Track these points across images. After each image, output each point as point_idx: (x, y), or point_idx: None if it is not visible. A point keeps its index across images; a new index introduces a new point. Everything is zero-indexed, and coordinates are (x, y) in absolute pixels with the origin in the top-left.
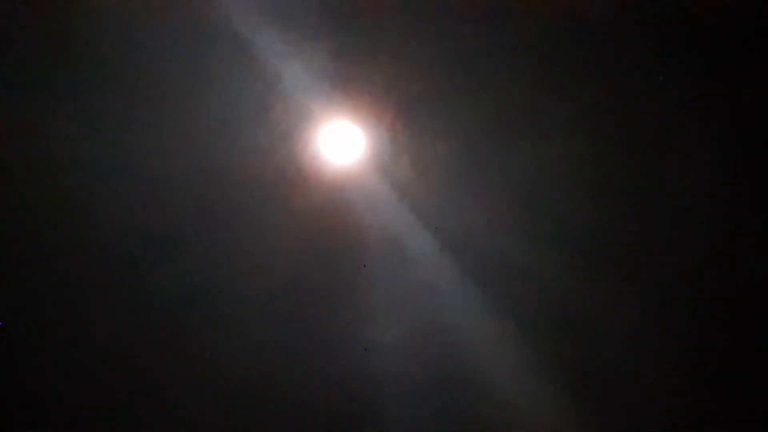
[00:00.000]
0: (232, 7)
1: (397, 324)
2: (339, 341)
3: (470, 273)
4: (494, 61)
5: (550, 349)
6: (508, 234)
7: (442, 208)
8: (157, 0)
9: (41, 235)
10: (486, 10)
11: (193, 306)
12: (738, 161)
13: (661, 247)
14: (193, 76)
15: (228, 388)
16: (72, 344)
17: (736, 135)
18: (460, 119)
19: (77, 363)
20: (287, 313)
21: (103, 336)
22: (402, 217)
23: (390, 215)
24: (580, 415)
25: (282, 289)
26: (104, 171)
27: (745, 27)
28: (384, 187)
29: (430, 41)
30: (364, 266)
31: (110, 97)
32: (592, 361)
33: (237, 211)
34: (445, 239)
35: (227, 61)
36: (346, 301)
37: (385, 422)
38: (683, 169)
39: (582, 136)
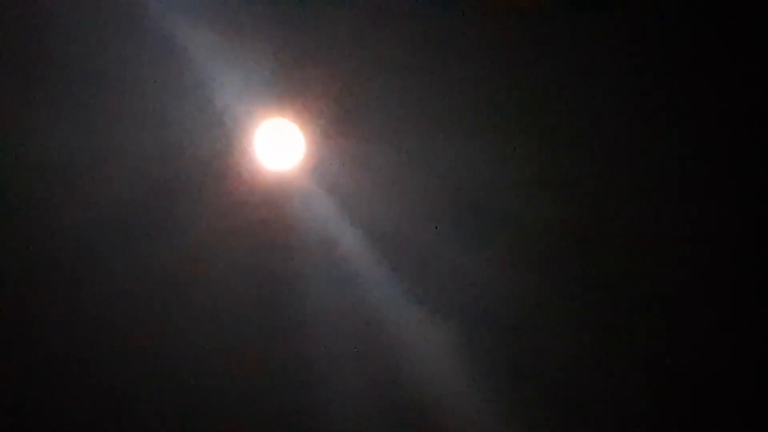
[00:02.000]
0: (166, 5)
1: (334, 330)
2: (274, 349)
3: (409, 277)
4: (435, 61)
5: (488, 350)
6: (454, 239)
7: (380, 211)
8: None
9: None
10: (425, 9)
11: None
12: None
13: (602, 245)
14: (124, 78)
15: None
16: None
17: (683, 133)
18: (399, 119)
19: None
20: (220, 321)
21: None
22: (339, 221)
23: (326, 218)
24: (520, 417)
25: (214, 295)
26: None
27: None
28: (321, 190)
29: (371, 41)
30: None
31: (40, 98)
32: (532, 363)
33: (169, 214)
34: (383, 243)
35: (160, 61)
36: (281, 306)
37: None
38: (624, 162)
39: (521, 133)
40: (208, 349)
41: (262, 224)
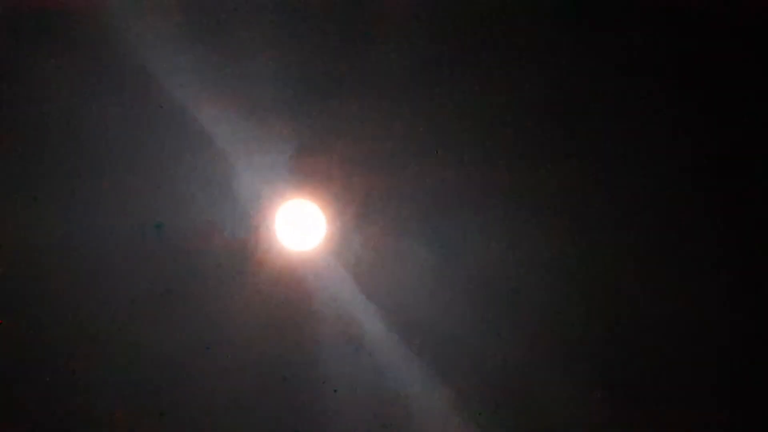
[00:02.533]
0: (189, 90)
1: (352, 411)
2: (290, 425)
3: (429, 359)
4: (459, 146)
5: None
6: (470, 320)
7: (403, 293)
8: (111, 82)
9: None
10: (452, 91)
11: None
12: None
13: (613, 326)
14: (147, 158)
15: None
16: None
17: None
18: (418, 203)
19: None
20: (237, 398)
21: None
22: (359, 304)
23: (349, 299)
24: None
25: (233, 375)
26: (52, 250)
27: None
28: (342, 272)
29: (394, 122)
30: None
31: (64, 177)
32: None
33: (192, 295)
34: (404, 324)
35: (184, 146)
36: (299, 388)
37: None
38: (633, 246)
39: (552, 222)
40: (222, 423)
41: (283, 304)
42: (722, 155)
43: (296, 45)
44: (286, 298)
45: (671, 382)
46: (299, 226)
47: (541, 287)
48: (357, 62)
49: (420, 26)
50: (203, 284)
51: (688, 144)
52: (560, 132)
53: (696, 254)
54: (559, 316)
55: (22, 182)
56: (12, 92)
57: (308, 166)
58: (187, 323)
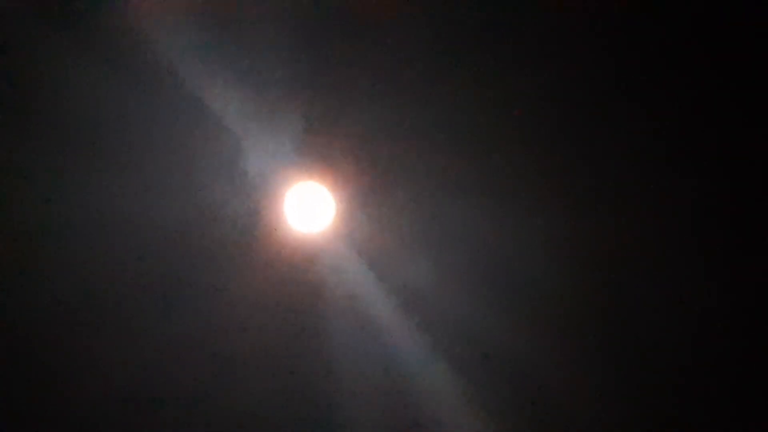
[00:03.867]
0: (197, 69)
1: (363, 395)
2: (304, 409)
3: (439, 343)
4: (468, 126)
5: (516, 418)
6: (480, 302)
7: (413, 276)
8: (122, 70)
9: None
10: (460, 77)
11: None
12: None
13: (634, 316)
14: (156, 142)
15: None
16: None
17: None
18: (431, 184)
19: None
20: (251, 381)
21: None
22: (371, 284)
23: (358, 283)
24: None
25: (246, 358)
26: (64, 233)
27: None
28: (352, 253)
29: (405, 107)
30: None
31: (73, 161)
32: (550, 423)
33: (202, 277)
34: (414, 306)
35: (191, 127)
36: (311, 370)
37: None
38: (661, 234)
39: (557, 200)
40: (240, 408)
41: (293, 286)
42: (722, 136)
43: (305, 25)
44: (295, 279)
45: (675, 366)
46: (308, 207)
47: (550, 269)
48: (367, 42)
49: (432, 3)
50: (211, 267)
51: (685, 125)
52: (567, 116)
53: (701, 236)
54: (566, 297)
55: (36, 170)
56: (29, 84)
57: (317, 147)
58: (194, 307)
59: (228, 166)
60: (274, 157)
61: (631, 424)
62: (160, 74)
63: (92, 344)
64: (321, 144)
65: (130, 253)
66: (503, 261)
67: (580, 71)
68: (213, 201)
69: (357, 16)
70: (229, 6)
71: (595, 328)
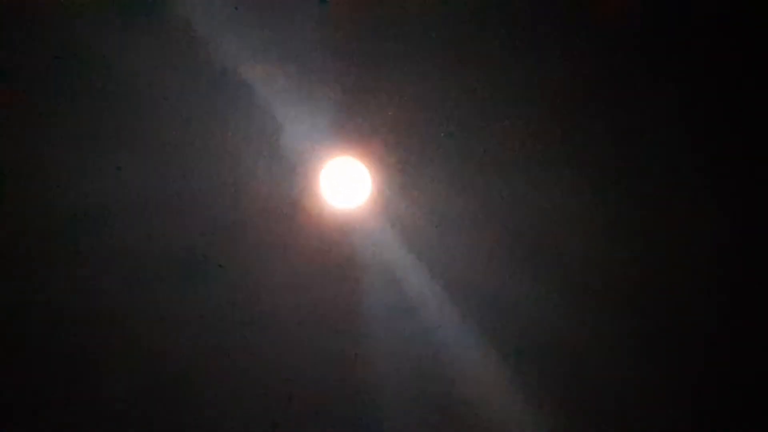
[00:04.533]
0: (235, 50)
1: (396, 367)
2: (336, 383)
3: (473, 316)
4: (499, 102)
5: (548, 388)
6: (513, 277)
7: (448, 251)
8: (160, 45)
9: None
10: (490, 52)
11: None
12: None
13: (662, 286)
14: (196, 119)
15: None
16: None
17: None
18: (465, 159)
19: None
20: (286, 357)
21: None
22: (406, 260)
23: (394, 258)
24: None
25: (282, 332)
26: (103, 212)
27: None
28: (388, 229)
29: (437, 82)
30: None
31: (115, 138)
32: (586, 396)
33: (240, 254)
34: (449, 282)
35: (232, 104)
36: (346, 345)
37: None
38: (689, 210)
39: (588, 177)
40: (272, 380)
41: (328, 261)
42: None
43: (342, 7)
44: (331, 255)
45: (700, 336)
46: (345, 184)
47: (580, 242)
48: (404, 22)
49: None
50: (248, 244)
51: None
52: (591, 91)
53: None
54: (602, 271)
55: (73, 150)
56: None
57: (354, 125)
58: (230, 283)
59: (265, 142)
60: (311, 133)
61: (662, 392)
62: (199, 53)
63: (123, 315)
64: (357, 120)
65: (170, 232)
66: (536, 236)
67: (605, 47)
68: (250, 178)
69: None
70: None
71: (628, 297)
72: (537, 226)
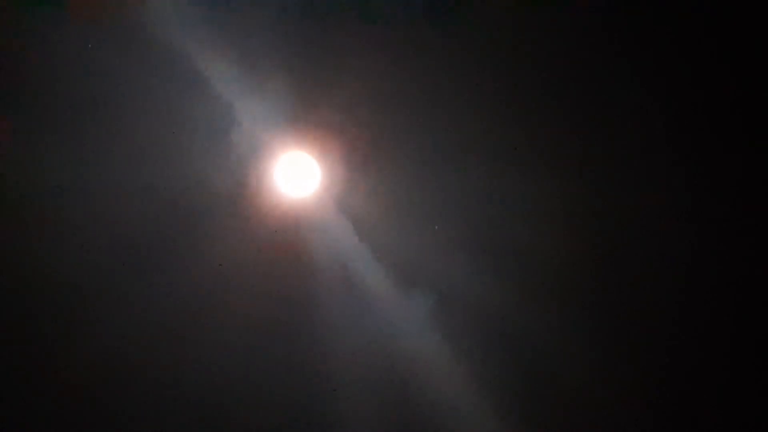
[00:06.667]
0: (190, 40)
1: (349, 357)
2: (292, 372)
3: (425, 305)
4: (451, 93)
5: (503, 381)
6: (465, 267)
7: (398, 240)
8: (115, 32)
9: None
10: (447, 45)
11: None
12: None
13: (625, 280)
14: (149, 109)
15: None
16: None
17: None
18: (417, 151)
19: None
20: (241, 348)
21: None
22: (357, 250)
23: (344, 248)
24: None
25: (235, 323)
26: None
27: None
28: (339, 219)
29: (388, 73)
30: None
31: (66, 127)
32: (544, 387)
33: (191, 242)
34: (399, 271)
35: (183, 92)
36: (299, 333)
37: None
38: (649, 200)
39: (542, 166)
40: (225, 370)
41: (280, 250)
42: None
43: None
44: (282, 243)
45: (666, 328)
46: (298, 174)
47: (537, 233)
48: (359, 12)
49: None
50: (202, 232)
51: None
52: (555, 83)
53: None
54: (561, 265)
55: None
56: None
57: (307, 116)
58: (185, 272)
59: (218, 133)
60: (266, 126)
61: (623, 384)
62: (153, 43)
63: (82, 304)
64: (309, 113)
65: (121, 216)
66: (490, 226)
67: (569, 42)
68: (203, 167)
69: None
70: None
71: (588, 290)
72: (495, 219)
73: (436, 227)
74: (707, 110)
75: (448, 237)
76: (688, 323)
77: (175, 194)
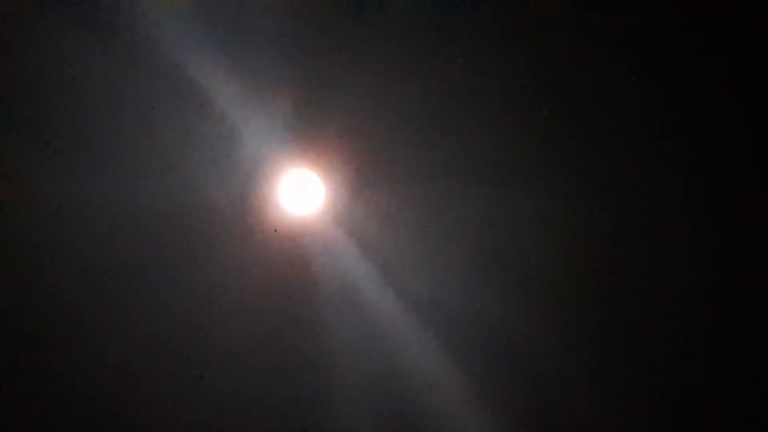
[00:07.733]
0: (192, 58)
1: (354, 373)
2: (294, 391)
3: (428, 323)
4: (454, 111)
5: (504, 395)
6: (467, 283)
7: (401, 258)
8: (118, 51)
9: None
10: (444, 62)
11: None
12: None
13: (627, 293)
14: (152, 129)
15: None
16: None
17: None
18: (419, 168)
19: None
20: (244, 363)
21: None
22: (360, 268)
23: (347, 265)
24: None
25: (238, 338)
26: (56, 212)
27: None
28: (342, 237)
29: (391, 92)
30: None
31: (68, 146)
32: (549, 410)
33: (193, 259)
34: (403, 289)
35: (186, 110)
36: (301, 350)
37: None
38: (652, 217)
39: (546, 184)
40: (226, 387)
41: (283, 267)
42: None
43: (300, 13)
44: (286, 262)
45: (669, 343)
46: (300, 192)
47: (541, 249)
48: (360, 30)
49: None
50: (205, 250)
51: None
52: (559, 98)
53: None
54: (565, 277)
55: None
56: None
57: (309, 133)
58: (188, 290)
59: (221, 152)
60: (266, 143)
61: (625, 397)
62: (155, 62)
63: (83, 324)
64: (311, 130)
65: (123, 235)
66: (492, 242)
67: (573, 54)
68: (206, 186)
69: (355, 7)
70: None
71: (590, 302)
72: (497, 233)
73: (430, 227)
74: (711, 119)
75: (452, 253)
76: (692, 338)
77: (179, 212)
